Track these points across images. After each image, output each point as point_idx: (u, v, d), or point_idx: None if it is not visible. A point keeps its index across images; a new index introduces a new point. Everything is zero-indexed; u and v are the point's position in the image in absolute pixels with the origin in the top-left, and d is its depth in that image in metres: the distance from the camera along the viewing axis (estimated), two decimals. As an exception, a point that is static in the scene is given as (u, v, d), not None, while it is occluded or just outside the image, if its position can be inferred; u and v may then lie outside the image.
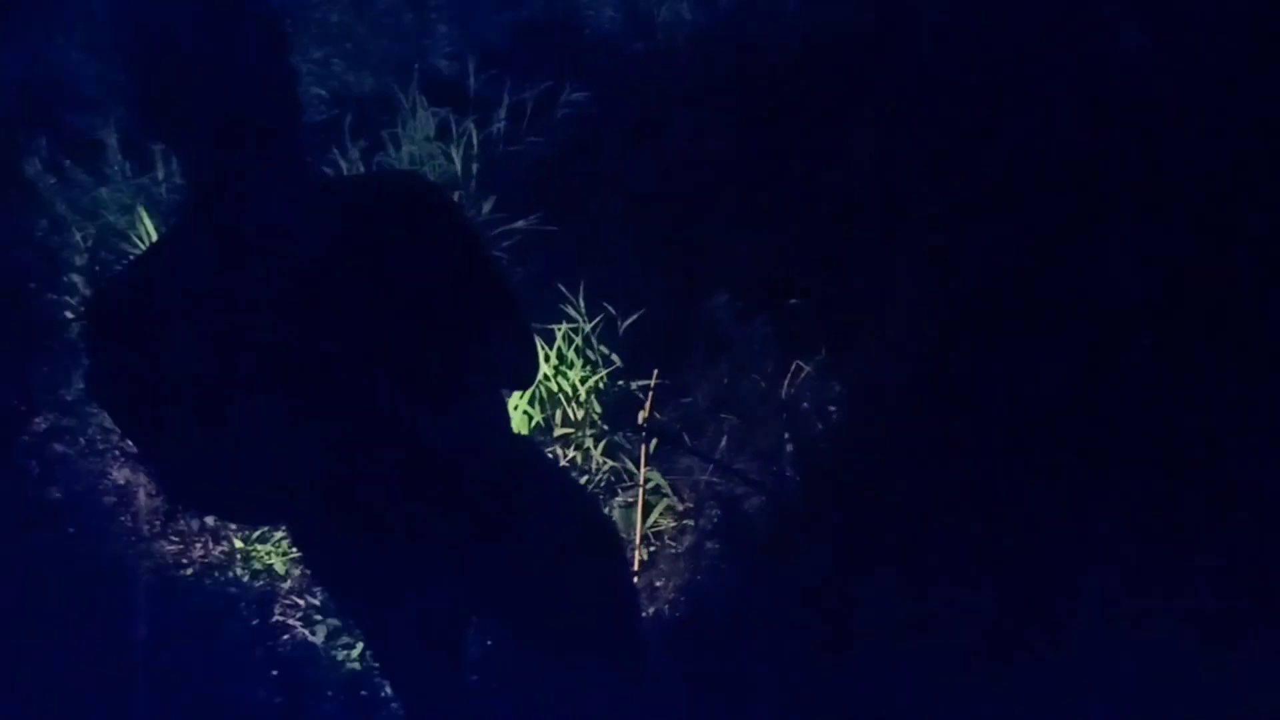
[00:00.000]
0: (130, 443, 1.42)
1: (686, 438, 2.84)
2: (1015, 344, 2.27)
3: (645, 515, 2.75)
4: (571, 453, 2.93)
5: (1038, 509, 2.01)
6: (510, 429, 1.71)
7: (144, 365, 1.33)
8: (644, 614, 2.51)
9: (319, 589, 2.76)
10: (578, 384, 2.96)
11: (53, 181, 3.50)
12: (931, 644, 1.87)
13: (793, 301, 2.73)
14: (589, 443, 2.93)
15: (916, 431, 2.19)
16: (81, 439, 3.07)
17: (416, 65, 3.89)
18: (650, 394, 2.89)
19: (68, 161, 3.53)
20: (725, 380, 2.72)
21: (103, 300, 1.38)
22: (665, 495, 2.79)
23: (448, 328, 1.42)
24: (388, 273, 1.36)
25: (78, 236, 3.34)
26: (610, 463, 2.89)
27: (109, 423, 3.05)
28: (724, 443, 2.73)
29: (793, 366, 2.68)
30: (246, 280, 1.33)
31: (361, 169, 3.67)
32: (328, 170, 3.49)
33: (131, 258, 2.97)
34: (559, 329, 3.00)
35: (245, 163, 1.30)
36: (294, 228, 1.35)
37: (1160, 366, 2.15)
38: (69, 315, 3.12)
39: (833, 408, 2.59)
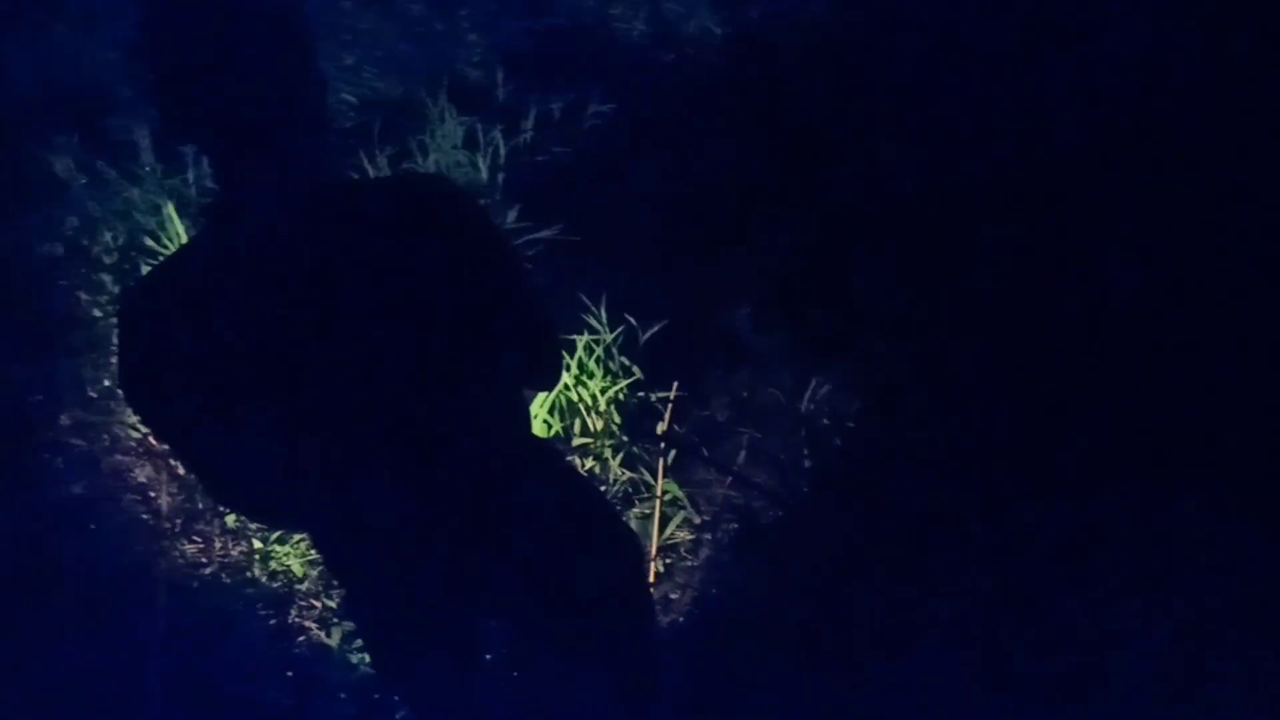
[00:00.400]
0: (161, 443, 1.44)
1: (704, 450, 2.84)
2: (1038, 361, 2.27)
3: (662, 527, 2.75)
4: (590, 463, 2.94)
5: (1058, 524, 2.00)
6: (530, 431, 1.72)
7: (175, 365, 1.35)
8: (659, 624, 2.50)
9: (336, 590, 2.78)
10: (598, 394, 2.97)
11: (84, 181, 3.55)
12: (947, 658, 1.86)
13: (814, 314, 2.73)
14: (607, 453, 2.93)
15: (935, 447, 2.18)
16: (106, 436, 3.10)
17: (446, 73, 3.91)
18: (670, 406, 2.89)
19: (100, 161, 3.57)
20: (744, 393, 2.72)
21: (135, 299, 1.40)
22: (682, 508, 2.79)
23: (474, 327, 1.42)
24: (416, 274, 1.37)
25: (108, 236, 3.38)
26: (628, 474, 2.89)
27: (132, 420, 3.09)
28: (742, 456, 2.73)
29: (812, 381, 2.67)
30: (275, 281, 1.35)
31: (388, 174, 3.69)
32: (354, 175, 3.51)
33: (164, 257, 3.00)
34: (580, 339, 3.00)
35: (274, 165, 1.33)
36: (323, 229, 1.36)
37: (1204, 382, 2.14)
38: (97, 314, 3.15)
39: (851, 422, 2.58)
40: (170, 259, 1.43)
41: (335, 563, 1.67)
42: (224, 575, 2.83)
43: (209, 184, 3.49)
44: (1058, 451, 2.05)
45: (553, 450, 1.71)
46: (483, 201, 3.60)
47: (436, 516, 1.48)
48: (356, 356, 1.36)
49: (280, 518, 1.83)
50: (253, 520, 2.74)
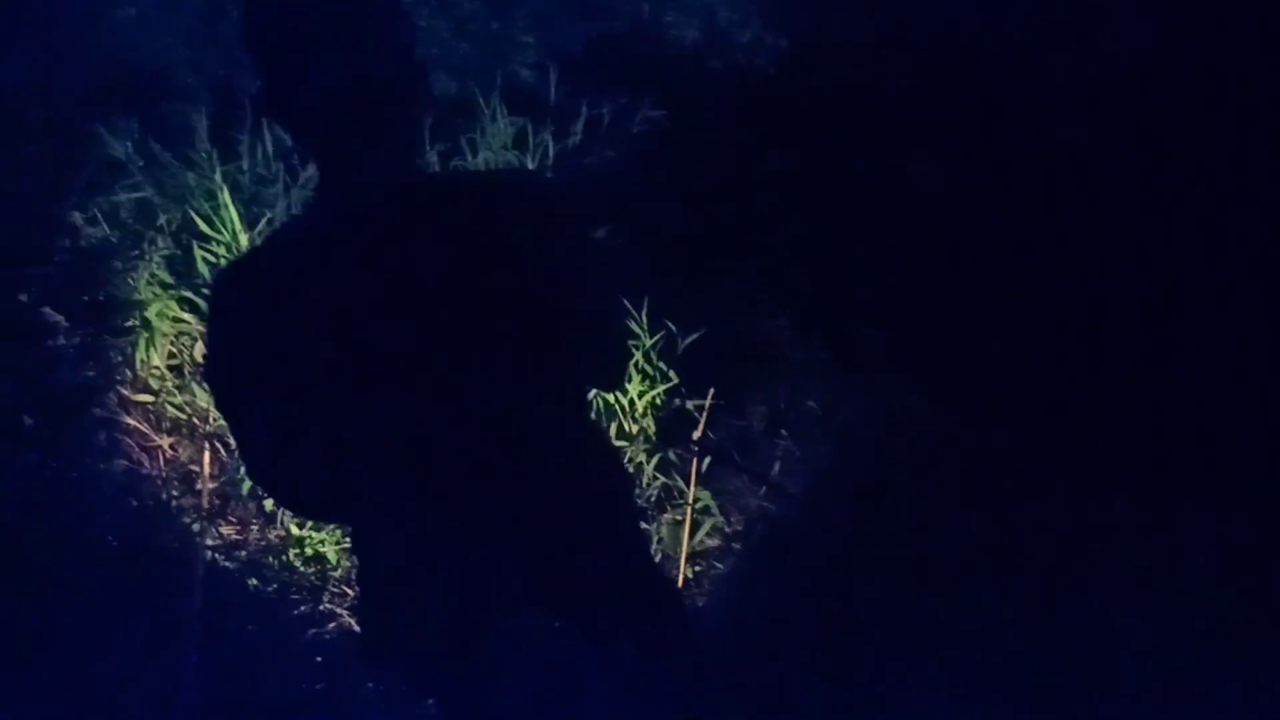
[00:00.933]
0: (233, 425, 1.46)
1: (738, 458, 2.85)
2: (1080, 383, 2.26)
3: (692, 534, 2.77)
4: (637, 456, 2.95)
5: (1094, 545, 2.00)
6: (589, 427, 1.70)
7: (260, 350, 1.37)
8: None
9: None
10: (635, 399, 2.99)
11: (140, 164, 3.61)
12: (977, 673, 1.86)
13: (854, 328, 2.73)
14: (641, 457, 2.95)
15: (973, 466, 2.18)
16: (151, 414, 3.16)
17: (499, 72, 3.94)
18: (705, 413, 2.90)
19: (156, 146, 3.64)
20: (781, 404, 2.73)
21: (224, 287, 1.43)
22: (713, 516, 2.81)
23: (548, 327, 1.42)
24: (494, 269, 1.38)
25: (162, 219, 3.44)
26: (661, 479, 2.91)
27: (179, 400, 3.15)
28: (776, 467, 2.74)
29: (850, 394, 2.68)
30: (363, 274, 1.36)
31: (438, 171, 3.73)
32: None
33: (260, 240, 3.03)
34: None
35: (369, 155, 1.34)
36: (410, 222, 1.38)
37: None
38: (149, 295, 3.21)
39: (888, 436, 2.59)
40: (264, 243, 1.46)
41: (370, 547, 1.67)
42: (259, 559, 2.88)
43: (262, 172, 3.55)
44: (1106, 478, 2.04)
45: (607, 447, 1.71)
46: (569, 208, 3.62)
47: (490, 508, 1.48)
48: (431, 349, 1.37)
49: (333, 513, 1.84)
50: (303, 515, 2.73)
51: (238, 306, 1.38)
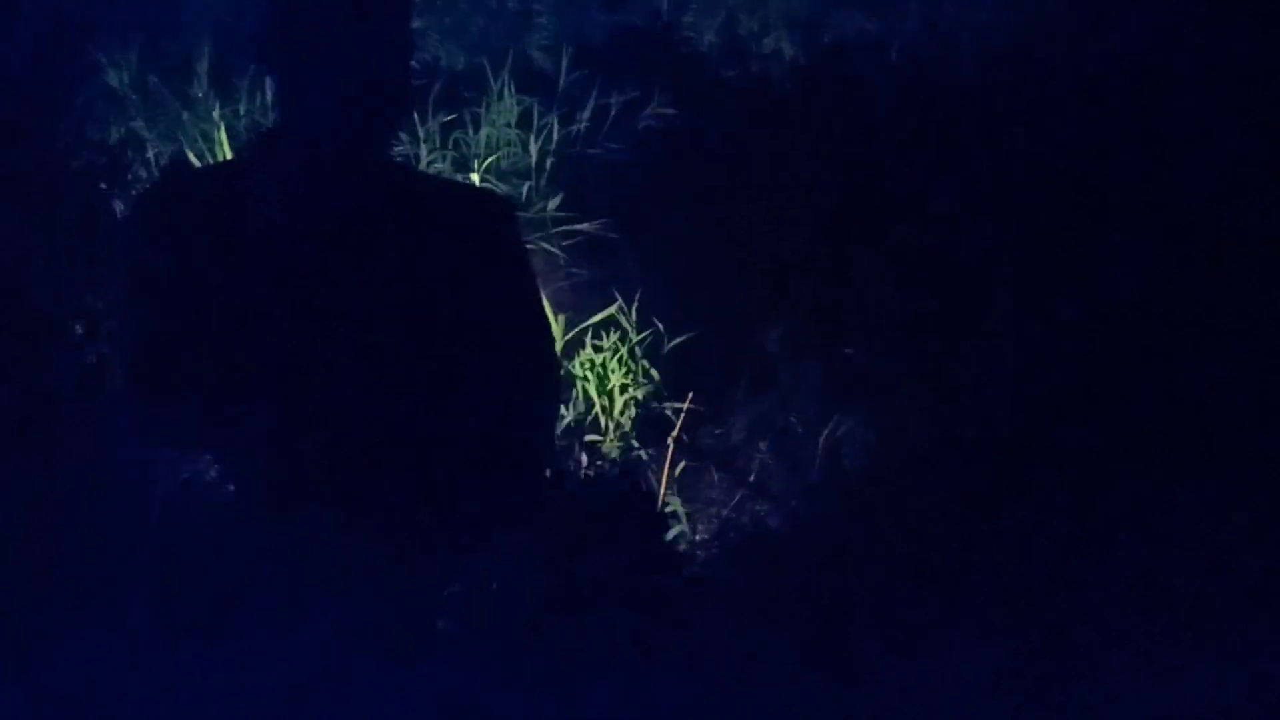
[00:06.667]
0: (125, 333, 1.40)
1: (713, 466, 2.81)
2: (1072, 416, 2.25)
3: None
4: (598, 462, 2.90)
5: (1076, 561, 1.98)
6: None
7: (161, 283, 1.32)
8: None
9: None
10: (615, 394, 2.94)
11: (135, 97, 3.53)
12: (961, 694, 1.83)
13: (848, 351, 2.70)
14: (615, 454, 2.90)
15: (957, 498, 2.16)
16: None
17: (511, 50, 3.89)
18: (682, 417, 2.86)
19: (154, 79, 3.55)
20: (764, 417, 2.69)
21: (146, 202, 1.38)
22: (680, 522, 2.76)
23: (474, 344, 1.41)
24: (431, 277, 1.36)
25: (151, 154, 3.36)
26: (632, 480, 2.86)
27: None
28: (751, 478, 2.70)
29: (835, 415, 2.65)
30: (283, 236, 1.32)
31: (438, 142, 3.67)
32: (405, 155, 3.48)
33: (187, 171, 2.96)
34: (605, 341, 2.97)
35: (336, 124, 1.31)
36: (351, 204, 1.34)
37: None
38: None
39: (870, 460, 2.56)
40: (197, 173, 1.41)
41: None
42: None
43: (259, 118, 3.47)
44: (1102, 507, 2.03)
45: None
46: (526, 188, 3.57)
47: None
48: (341, 341, 1.34)
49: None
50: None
51: (159, 224, 1.34)
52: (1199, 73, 2.39)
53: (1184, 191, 2.30)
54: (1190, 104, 2.37)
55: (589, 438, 2.91)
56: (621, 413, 2.93)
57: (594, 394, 2.93)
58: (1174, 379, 2.11)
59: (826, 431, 2.65)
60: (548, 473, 1.71)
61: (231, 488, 1.52)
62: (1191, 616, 1.85)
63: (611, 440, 2.91)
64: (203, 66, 3.46)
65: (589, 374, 2.92)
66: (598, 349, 2.94)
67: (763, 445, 2.75)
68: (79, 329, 2.94)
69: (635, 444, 2.90)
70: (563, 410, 2.90)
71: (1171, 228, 2.27)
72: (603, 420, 2.92)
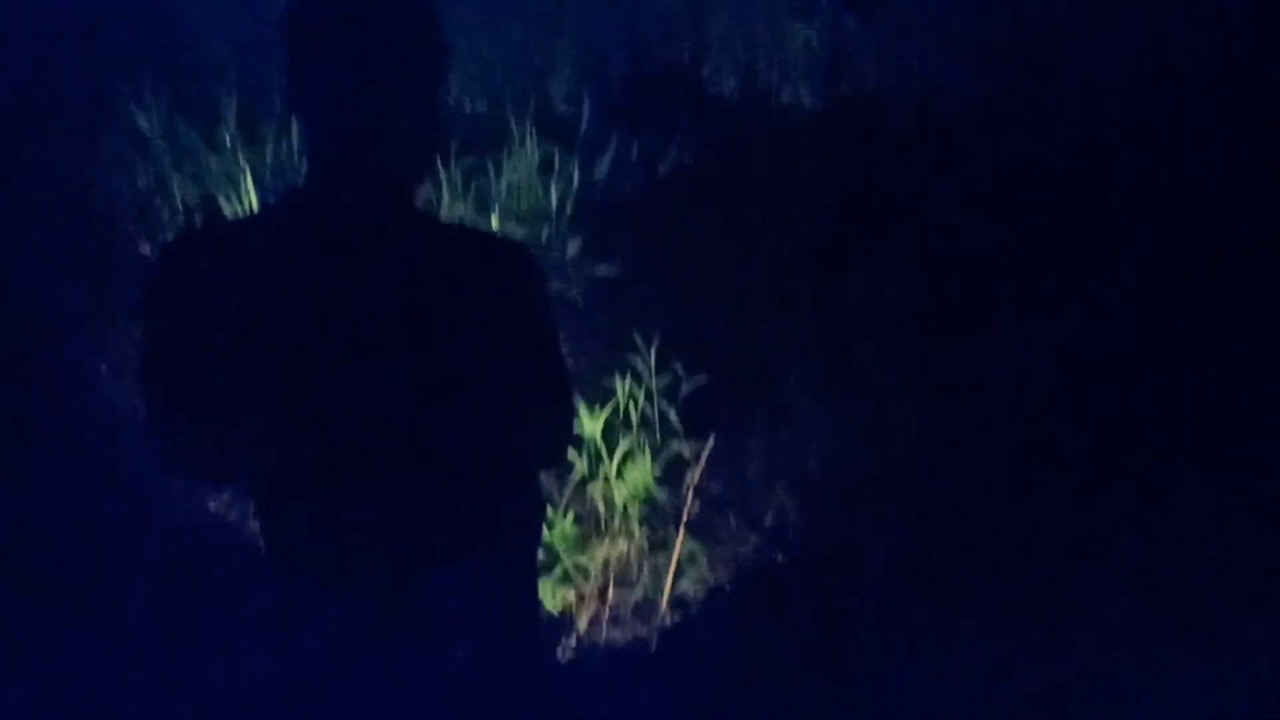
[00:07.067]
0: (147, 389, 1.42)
1: (732, 509, 2.79)
2: (1094, 450, 2.23)
3: (676, 580, 2.70)
4: (615, 502, 2.88)
5: (1096, 611, 1.95)
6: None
7: (188, 328, 1.33)
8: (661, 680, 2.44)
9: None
10: (634, 439, 2.92)
11: (163, 142, 3.58)
12: None
13: (867, 388, 2.69)
14: (632, 502, 2.87)
15: (981, 541, 2.13)
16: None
17: (533, 98, 3.94)
18: (702, 459, 2.84)
19: (182, 124, 3.61)
20: (783, 458, 2.68)
21: (176, 249, 1.39)
22: (697, 565, 2.73)
23: (492, 388, 1.41)
24: (450, 330, 1.37)
25: (178, 196, 3.41)
26: (650, 525, 2.84)
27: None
28: (769, 519, 2.68)
29: (856, 454, 2.63)
30: (310, 282, 1.33)
31: (459, 188, 3.70)
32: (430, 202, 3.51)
33: (217, 221, 3.00)
34: (622, 384, 2.96)
35: (361, 172, 1.33)
36: (378, 253, 1.35)
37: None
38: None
39: (890, 501, 2.53)
40: (228, 224, 1.43)
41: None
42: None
43: (285, 162, 3.52)
44: (1120, 545, 2.00)
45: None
46: (545, 233, 3.59)
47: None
48: (355, 377, 1.35)
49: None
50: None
51: (183, 274, 1.35)
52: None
53: (1186, 194, 2.31)
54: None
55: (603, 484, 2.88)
56: (640, 456, 2.91)
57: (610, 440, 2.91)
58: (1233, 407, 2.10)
59: (844, 470, 2.63)
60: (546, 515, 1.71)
61: (256, 524, 1.53)
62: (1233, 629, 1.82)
63: (631, 487, 2.89)
64: (230, 111, 3.51)
65: (599, 419, 2.88)
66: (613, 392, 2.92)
67: (781, 486, 2.73)
68: (104, 368, 2.98)
69: (653, 487, 2.87)
70: (577, 459, 2.88)
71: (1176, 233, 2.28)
72: (616, 468, 2.90)
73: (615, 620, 2.66)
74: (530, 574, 1.70)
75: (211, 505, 2.89)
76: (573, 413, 1.64)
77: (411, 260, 1.36)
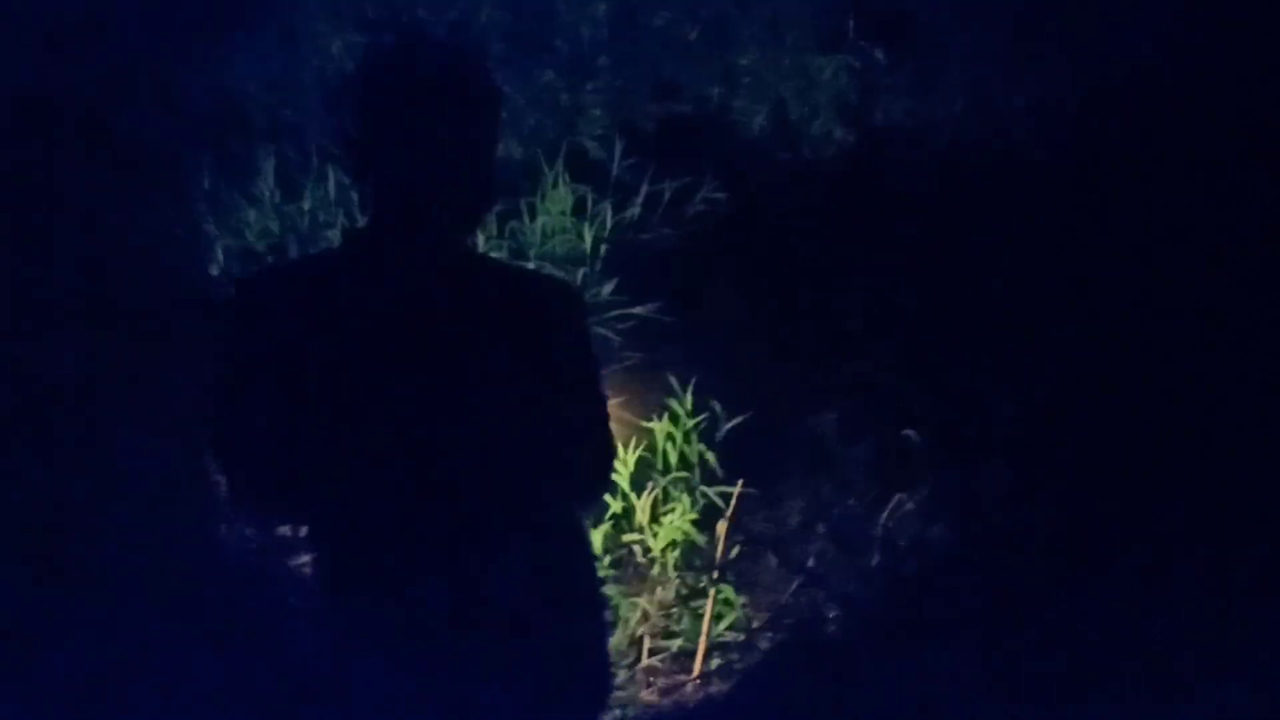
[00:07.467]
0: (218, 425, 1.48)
1: (771, 552, 2.76)
2: (1133, 496, 2.20)
3: (714, 624, 2.68)
4: (651, 552, 2.87)
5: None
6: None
7: (256, 364, 1.40)
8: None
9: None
10: (671, 483, 2.91)
11: (204, 195, 3.66)
12: None
13: (906, 432, 2.67)
14: (669, 547, 2.85)
15: (1015, 584, 2.09)
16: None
17: (565, 141, 3.97)
18: (735, 501, 2.83)
19: (222, 181, 3.69)
20: (821, 501, 2.65)
21: (241, 294, 1.51)
22: (734, 608, 2.71)
23: (532, 437, 1.45)
24: (499, 366, 1.42)
25: (219, 252, 3.48)
26: (687, 569, 2.82)
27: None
28: (810, 563, 2.65)
29: (894, 499, 2.60)
30: (369, 321, 1.39)
31: (494, 231, 3.74)
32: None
33: (276, 264, 3.05)
34: (660, 423, 2.95)
35: (423, 219, 1.41)
36: (434, 293, 1.42)
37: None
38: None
39: (927, 544, 2.50)
40: (281, 266, 1.49)
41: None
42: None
43: (322, 216, 3.58)
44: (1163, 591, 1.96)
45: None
46: (581, 274, 3.61)
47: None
48: (411, 416, 1.40)
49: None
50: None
51: (254, 310, 1.44)
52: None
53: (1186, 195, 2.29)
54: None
55: (636, 528, 2.87)
56: (677, 498, 2.90)
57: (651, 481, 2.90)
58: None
59: (884, 515, 2.61)
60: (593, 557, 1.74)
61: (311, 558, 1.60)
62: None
63: (670, 528, 2.87)
64: (268, 164, 3.58)
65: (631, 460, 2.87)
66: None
67: (821, 528, 2.70)
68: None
69: (691, 529, 2.86)
70: (613, 500, 2.86)
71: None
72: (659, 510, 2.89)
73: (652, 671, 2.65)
74: (594, 620, 1.70)
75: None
76: (614, 450, 1.68)
77: (469, 298, 1.43)
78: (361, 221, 1.56)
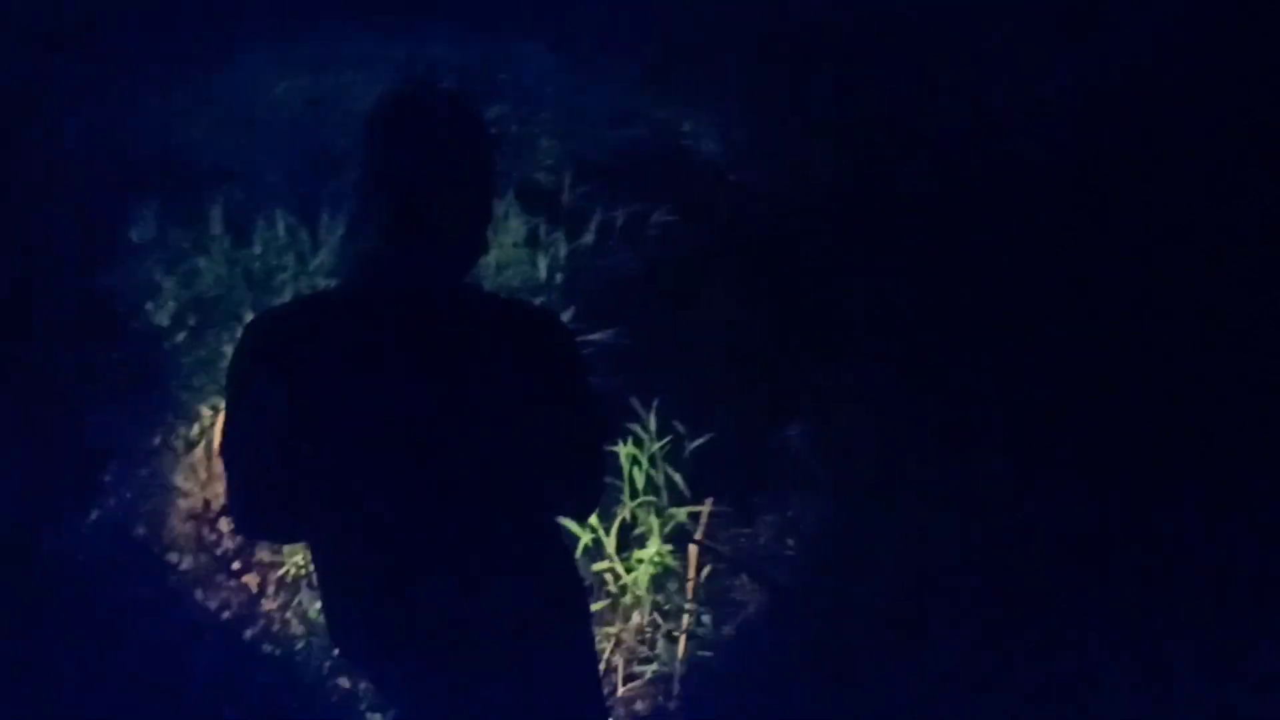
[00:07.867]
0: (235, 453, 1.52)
1: (740, 569, 2.76)
2: (1133, 495, 2.21)
3: (690, 646, 2.67)
4: (623, 575, 2.85)
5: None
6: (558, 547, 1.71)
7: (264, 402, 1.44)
8: None
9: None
10: (639, 507, 2.90)
11: (153, 244, 3.63)
12: None
13: (870, 443, 2.67)
14: (641, 566, 2.85)
15: (988, 596, 2.10)
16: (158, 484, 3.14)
17: (515, 172, 3.99)
18: (704, 520, 2.82)
19: (173, 229, 3.66)
20: (790, 514, 2.66)
21: (255, 331, 1.52)
22: (706, 626, 2.70)
23: (532, 445, 1.51)
24: (491, 393, 1.48)
25: (170, 303, 3.45)
26: (658, 592, 2.81)
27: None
28: (784, 578, 2.65)
29: (860, 509, 2.61)
30: (375, 352, 1.45)
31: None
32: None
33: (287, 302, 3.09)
34: (624, 447, 2.95)
35: (421, 253, 1.48)
36: (417, 327, 1.47)
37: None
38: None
39: (901, 558, 2.51)
40: (301, 304, 1.65)
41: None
42: (267, 618, 2.81)
43: (273, 261, 3.56)
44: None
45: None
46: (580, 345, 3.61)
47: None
48: (409, 447, 1.47)
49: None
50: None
51: (260, 350, 1.48)
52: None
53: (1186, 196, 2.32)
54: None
55: (610, 550, 2.85)
56: (645, 520, 2.89)
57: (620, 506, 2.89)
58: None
59: (851, 527, 2.61)
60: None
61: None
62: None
63: (636, 552, 2.86)
64: (216, 213, 3.56)
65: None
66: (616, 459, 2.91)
67: (790, 543, 2.70)
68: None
69: (662, 551, 2.85)
70: (586, 528, 2.85)
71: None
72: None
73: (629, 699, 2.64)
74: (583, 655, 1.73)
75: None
76: (605, 465, 1.73)
77: (469, 329, 1.50)
78: (316, 265, 1.60)
